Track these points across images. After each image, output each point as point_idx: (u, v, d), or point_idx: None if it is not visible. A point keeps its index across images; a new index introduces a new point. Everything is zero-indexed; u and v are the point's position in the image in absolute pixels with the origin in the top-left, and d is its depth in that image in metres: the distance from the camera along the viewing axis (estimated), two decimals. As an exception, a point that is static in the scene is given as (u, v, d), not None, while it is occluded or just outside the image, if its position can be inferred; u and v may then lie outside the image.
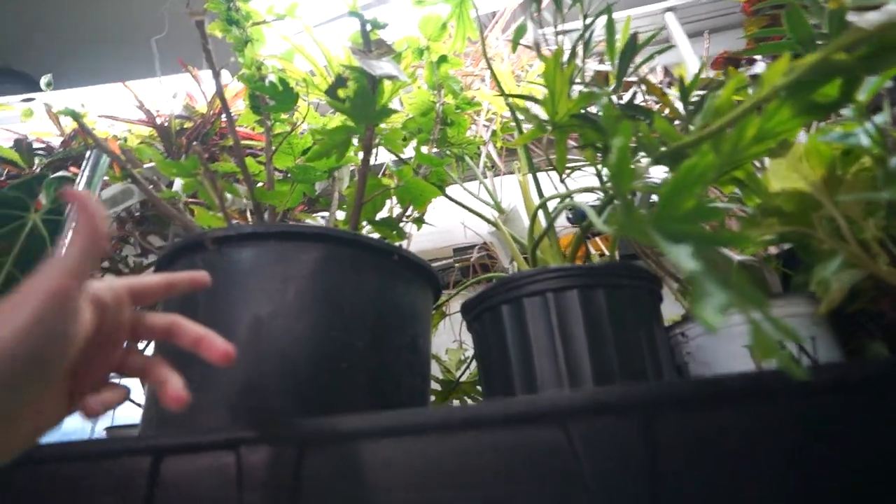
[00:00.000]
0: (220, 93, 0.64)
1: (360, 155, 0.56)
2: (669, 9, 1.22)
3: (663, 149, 0.43)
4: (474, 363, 0.85)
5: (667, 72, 1.08)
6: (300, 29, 0.88)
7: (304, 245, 0.47)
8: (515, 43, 0.65)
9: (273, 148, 0.67)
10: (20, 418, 0.25)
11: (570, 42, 0.64)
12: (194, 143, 0.95)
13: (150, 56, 1.11)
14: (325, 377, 0.44)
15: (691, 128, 0.51)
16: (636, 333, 0.49)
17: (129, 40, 1.30)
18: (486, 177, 0.93)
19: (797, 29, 0.58)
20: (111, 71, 1.36)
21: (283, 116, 0.75)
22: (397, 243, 0.63)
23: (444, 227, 0.98)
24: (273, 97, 0.68)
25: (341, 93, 0.64)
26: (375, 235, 0.65)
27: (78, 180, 0.63)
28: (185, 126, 1.02)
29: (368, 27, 0.53)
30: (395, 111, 0.52)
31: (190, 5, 1.22)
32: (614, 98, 0.53)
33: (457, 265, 1.13)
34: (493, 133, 0.92)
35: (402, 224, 0.59)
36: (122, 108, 1.09)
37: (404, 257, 0.52)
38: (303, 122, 0.70)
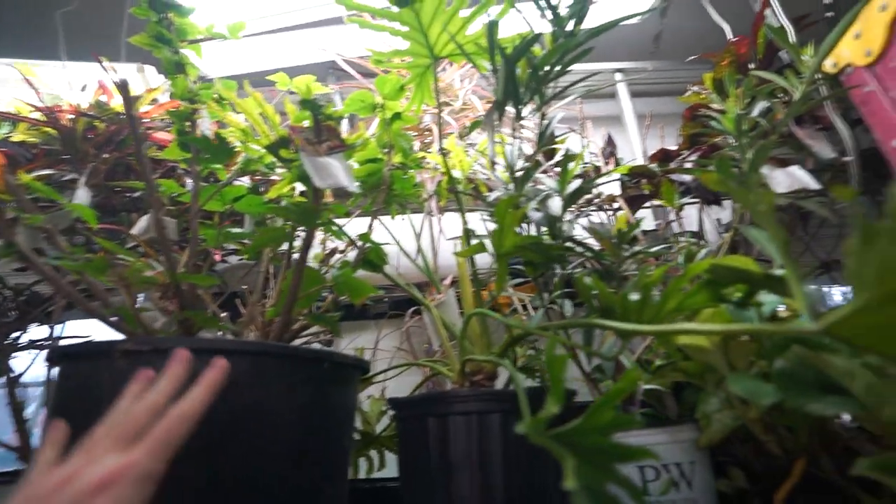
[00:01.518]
0: (138, 151, 0.56)
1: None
2: (619, 70, 1.28)
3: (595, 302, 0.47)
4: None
5: (609, 140, 1.14)
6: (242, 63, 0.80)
7: (229, 360, 0.44)
8: (466, 133, 0.65)
9: (199, 205, 0.61)
10: None
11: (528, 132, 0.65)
12: (104, 154, 0.83)
13: (53, 29, 0.95)
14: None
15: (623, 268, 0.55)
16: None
17: (28, 4, 1.07)
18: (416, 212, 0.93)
19: (724, 170, 0.64)
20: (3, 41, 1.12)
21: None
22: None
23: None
24: (206, 150, 0.62)
25: (284, 153, 0.60)
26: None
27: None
28: (95, 125, 0.89)
29: (321, 117, 0.49)
30: (340, 226, 0.50)
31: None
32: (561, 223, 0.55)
33: (386, 300, 1.13)
34: (438, 185, 0.91)
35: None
36: (10, 87, 0.93)
37: (336, 363, 0.51)
38: (240, 177, 0.65)
